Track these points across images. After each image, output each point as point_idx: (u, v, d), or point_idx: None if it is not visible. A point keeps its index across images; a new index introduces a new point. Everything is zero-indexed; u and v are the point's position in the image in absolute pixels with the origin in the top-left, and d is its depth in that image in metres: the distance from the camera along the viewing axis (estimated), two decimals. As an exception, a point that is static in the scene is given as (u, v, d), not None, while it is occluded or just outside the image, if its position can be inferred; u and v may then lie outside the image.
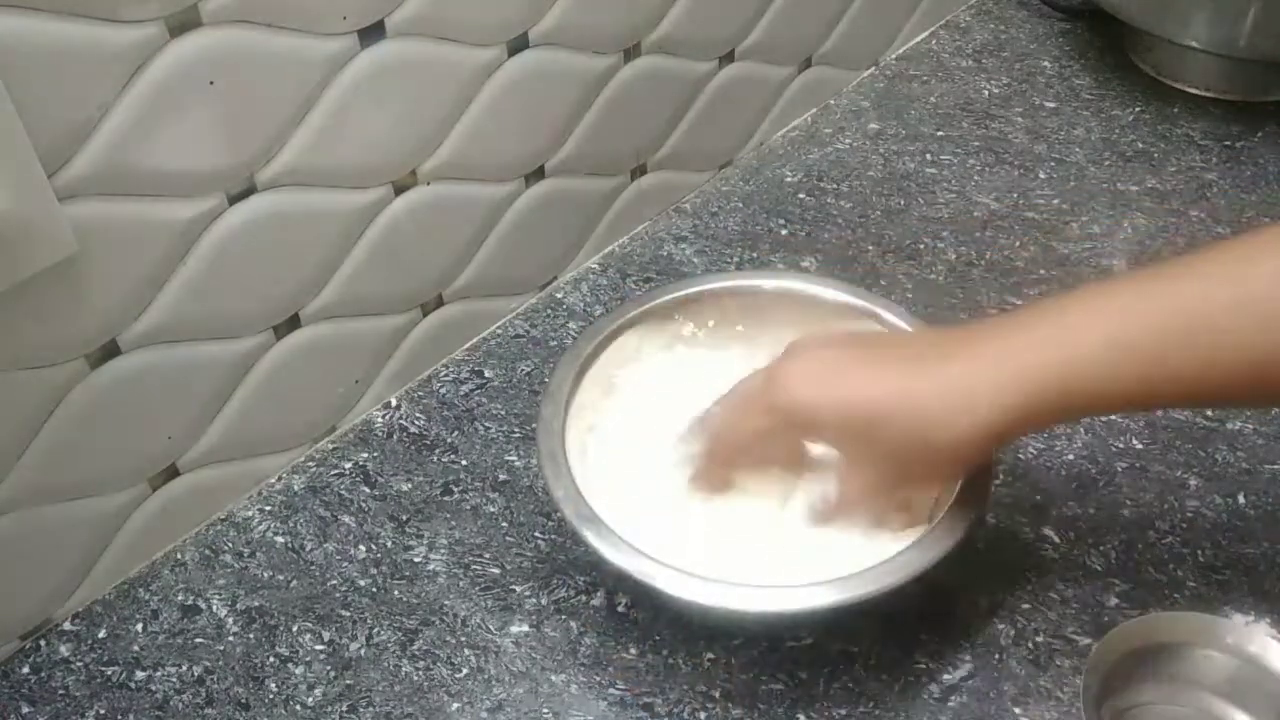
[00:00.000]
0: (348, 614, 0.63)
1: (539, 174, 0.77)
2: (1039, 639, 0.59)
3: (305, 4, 0.59)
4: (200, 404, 0.65)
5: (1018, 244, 0.82)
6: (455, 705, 0.59)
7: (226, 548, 0.67)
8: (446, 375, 0.77)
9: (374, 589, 0.64)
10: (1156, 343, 0.49)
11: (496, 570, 0.65)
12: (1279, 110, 0.93)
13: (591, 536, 0.55)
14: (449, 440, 0.72)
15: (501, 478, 0.70)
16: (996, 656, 0.59)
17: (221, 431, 0.66)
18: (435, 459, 0.71)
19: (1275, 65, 0.91)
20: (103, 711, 0.60)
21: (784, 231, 0.85)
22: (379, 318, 0.72)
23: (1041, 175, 0.88)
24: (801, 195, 0.88)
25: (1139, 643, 0.55)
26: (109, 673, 0.62)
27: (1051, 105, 0.95)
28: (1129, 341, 0.49)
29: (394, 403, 0.75)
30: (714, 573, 0.54)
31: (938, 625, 0.60)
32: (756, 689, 0.59)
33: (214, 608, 0.64)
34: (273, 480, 0.71)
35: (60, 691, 0.61)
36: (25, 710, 0.60)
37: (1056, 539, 0.64)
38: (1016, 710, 0.57)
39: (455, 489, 0.69)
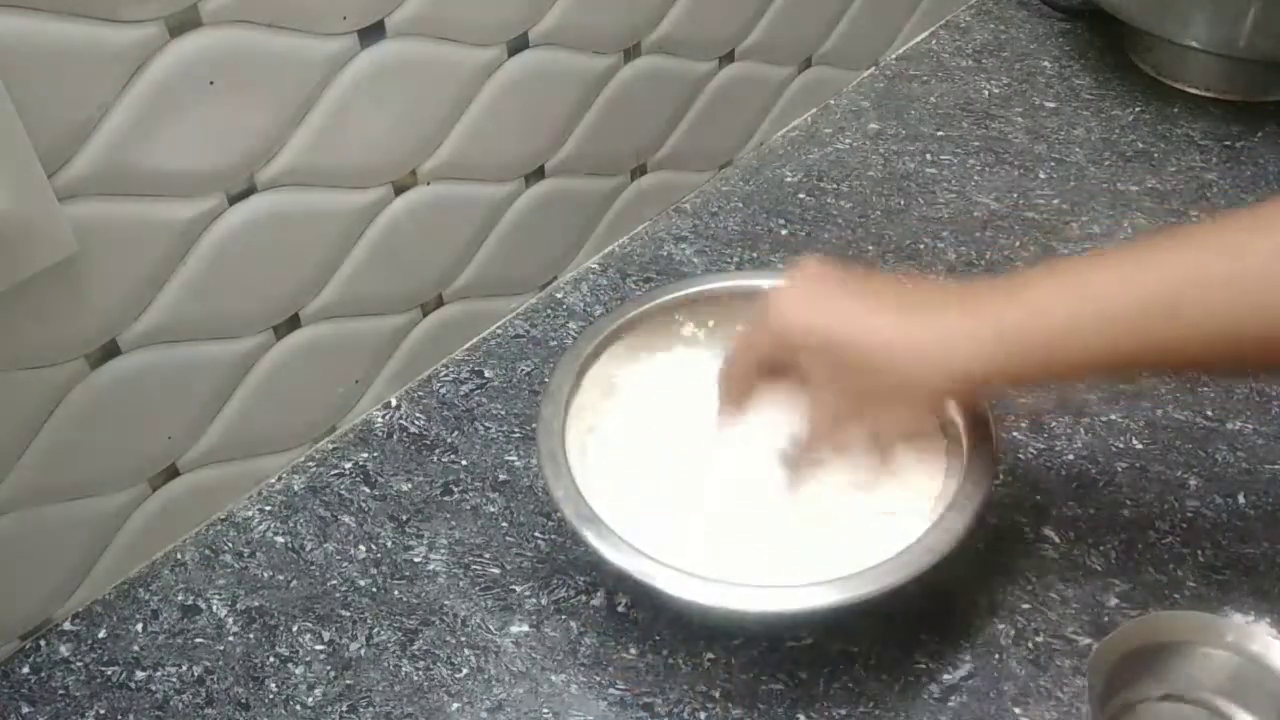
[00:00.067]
0: (348, 614, 0.63)
1: (539, 174, 0.77)
2: (1039, 639, 0.59)
3: (305, 4, 0.59)
4: (200, 404, 0.65)
5: (1018, 244, 0.82)
6: (455, 705, 0.59)
7: (226, 548, 0.67)
8: (446, 375, 0.77)
9: (374, 589, 0.64)
10: (1140, 312, 0.49)
11: (496, 570, 0.65)
12: (1279, 110, 0.93)
13: (591, 536, 0.55)
14: (449, 440, 0.72)
15: (501, 478, 0.70)
16: (996, 656, 0.59)
17: (221, 431, 0.66)
18: (435, 459, 0.71)
19: (1275, 65, 0.91)
20: (103, 711, 0.60)
21: (784, 231, 0.85)
22: (379, 318, 0.72)
23: (1041, 175, 0.88)
24: (801, 195, 0.88)
25: (1139, 642, 0.55)
26: (109, 673, 0.62)
27: (1051, 105, 0.95)
28: (1113, 311, 0.50)
29: (394, 403, 0.75)
30: (714, 573, 0.54)
31: (938, 625, 0.60)
32: (756, 689, 0.59)
33: (214, 608, 0.64)
34: (273, 480, 0.71)
35: (60, 691, 0.61)
36: (25, 710, 0.60)
37: (1056, 539, 0.64)
38: (1016, 710, 0.57)
39: (455, 489, 0.69)
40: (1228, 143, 0.90)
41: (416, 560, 0.66)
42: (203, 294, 0.62)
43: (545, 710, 0.59)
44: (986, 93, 0.97)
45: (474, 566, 0.65)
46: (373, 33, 0.62)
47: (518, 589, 0.64)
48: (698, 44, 0.82)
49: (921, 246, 0.83)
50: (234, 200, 0.61)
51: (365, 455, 0.72)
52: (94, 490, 0.62)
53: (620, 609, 0.63)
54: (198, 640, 0.63)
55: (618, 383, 0.65)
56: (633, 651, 0.61)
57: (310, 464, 0.72)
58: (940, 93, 0.98)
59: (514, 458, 0.71)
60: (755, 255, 0.83)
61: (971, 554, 0.62)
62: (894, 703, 0.58)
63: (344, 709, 0.59)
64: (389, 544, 0.67)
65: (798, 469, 0.59)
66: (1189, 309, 0.49)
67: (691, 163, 0.88)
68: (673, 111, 0.84)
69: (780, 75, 0.91)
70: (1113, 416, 0.70)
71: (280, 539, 0.67)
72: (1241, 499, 0.65)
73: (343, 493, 0.70)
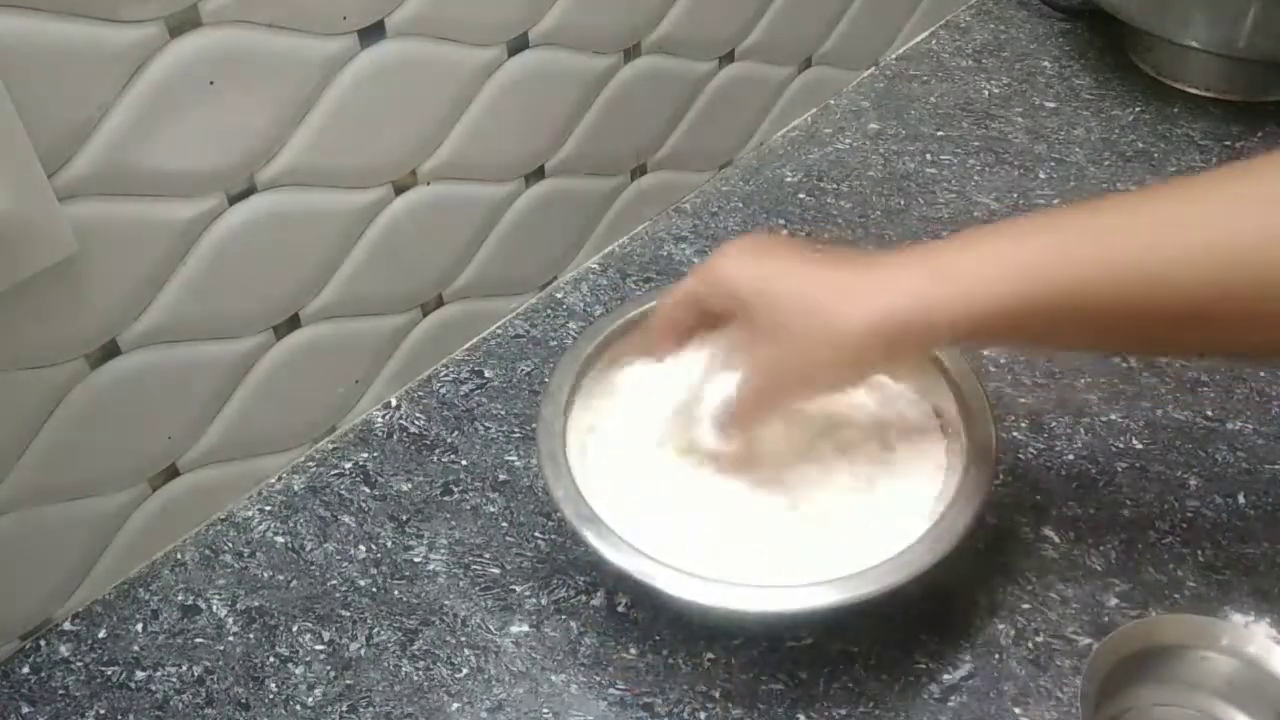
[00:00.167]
0: (348, 614, 0.63)
1: (539, 174, 0.77)
2: (1039, 639, 0.59)
3: (305, 4, 0.59)
4: (200, 404, 0.65)
5: (1018, 244, 0.82)
6: (455, 705, 0.59)
7: (226, 548, 0.67)
8: (446, 375, 0.77)
9: (374, 589, 0.64)
10: (1075, 279, 0.49)
11: (496, 570, 0.65)
12: (1279, 110, 0.93)
13: (591, 536, 0.55)
14: (449, 440, 0.72)
15: (501, 478, 0.70)
16: (996, 656, 0.59)
17: (221, 431, 0.66)
18: (435, 459, 0.71)
19: (1275, 65, 0.91)
20: (103, 711, 0.60)
21: (784, 231, 0.85)
22: (379, 318, 0.72)
23: (1041, 175, 0.88)
24: (801, 195, 0.88)
25: (1139, 644, 0.55)
26: (109, 673, 0.62)
27: (1051, 105, 0.95)
28: (1047, 275, 0.49)
29: (394, 403, 0.75)
30: (714, 573, 0.54)
31: (938, 625, 0.60)
32: (756, 689, 0.59)
33: (214, 608, 0.64)
34: (273, 480, 0.71)
35: (60, 691, 0.61)
36: (25, 710, 0.60)
37: (1056, 539, 0.64)
38: (1016, 710, 0.57)
39: (455, 489, 0.69)
40: (1228, 143, 0.90)
41: (416, 560, 0.66)
42: (203, 294, 0.62)
43: (545, 710, 0.59)
44: (986, 93, 0.97)
45: (474, 566, 0.65)
46: (373, 33, 0.62)
47: (518, 589, 0.64)
48: (698, 44, 0.82)
49: (921, 246, 0.83)
50: (234, 200, 0.61)
51: (365, 455, 0.72)
52: (94, 490, 0.62)
53: (620, 609, 0.63)
54: (198, 640, 0.63)
55: (618, 383, 0.65)
56: (633, 651, 0.61)
57: (310, 464, 0.72)
58: (940, 93, 0.98)
59: (514, 458, 0.71)
60: (755, 255, 0.83)
61: (971, 554, 0.62)
62: (894, 703, 0.58)
63: (344, 709, 0.59)
64: (389, 544, 0.67)
65: (732, 436, 0.58)
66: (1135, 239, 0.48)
67: (691, 163, 0.88)
68: (673, 111, 0.84)
69: (780, 75, 0.91)
70: (1113, 416, 0.70)
71: (280, 539, 0.68)
72: (1241, 499, 0.65)
73: (343, 493, 0.70)
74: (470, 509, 0.68)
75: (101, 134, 0.54)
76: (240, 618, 0.64)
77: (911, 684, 0.58)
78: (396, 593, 0.64)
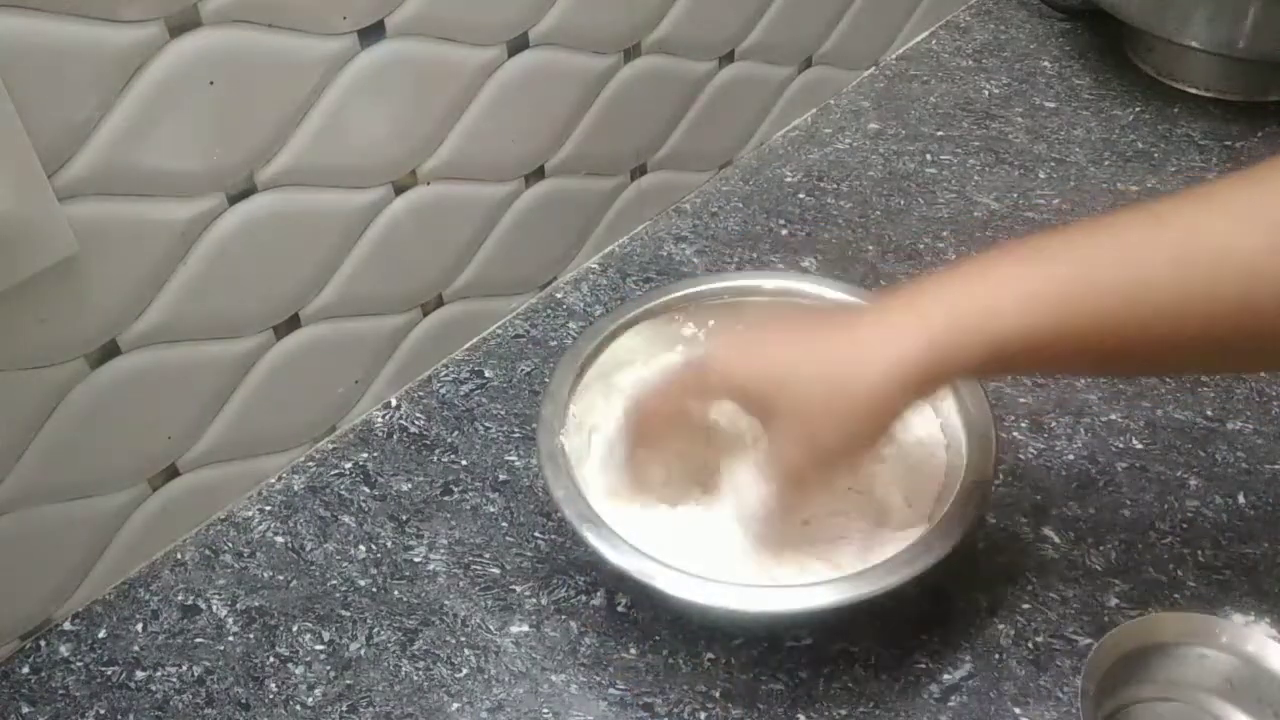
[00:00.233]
0: (348, 614, 0.63)
1: (539, 174, 0.77)
2: (1039, 639, 0.59)
3: (305, 4, 0.59)
4: (200, 404, 0.65)
5: (1018, 244, 0.82)
6: (455, 705, 0.59)
7: (226, 548, 0.67)
8: (446, 375, 0.77)
9: (374, 589, 0.64)
10: (1062, 301, 0.47)
11: (496, 570, 0.65)
12: (1279, 110, 0.93)
13: (591, 536, 0.55)
14: (449, 440, 0.72)
15: (501, 478, 0.70)
16: (996, 656, 0.59)
17: (221, 431, 0.66)
18: (435, 459, 0.71)
19: (1275, 65, 0.91)
20: (103, 711, 0.60)
21: (784, 231, 0.85)
22: (379, 318, 0.72)
23: (1041, 175, 0.88)
24: (801, 195, 0.88)
25: (1138, 642, 0.55)
26: (109, 673, 0.62)
27: (1051, 105, 0.95)
28: (1043, 290, 0.48)
29: (394, 403, 0.75)
30: (714, 573, 0.54)
31: (938, 625, 0.60)
32: (756, 689, 0.59)
33: (214, 608, 0.64)
34: (273, 480, 0.71)
35: (60, 691, 0.61)
36: (25, 710, 0.60)
37: (1056, 539, 0.64)
38: (1016, 710, 0.57)
39: (455, 489, 0.69)
40: (1228, 143, 0.90)
41: (416, 560, 0.66)
42: (203, 294, 0.62)
43: (545, 710, 0.59)
44: (986, 93, 0.97)
45: (474, 566, 0.65)
46: (373, 33, 0.62)
47: (518, 589, 0.64)
48: (698, 44, 0.82)
49: (921, 246, 0.83)
50: (234, 200, 0.61)
51: (365, 455, 0.72)
52: (94, 490, 0.62)
53: (620, 609, 0.63)
54: (198, 640, 0.63)
55: (618, 383, 0.65)
56: (633, 651, 0.61)
57: (310, 464, 0.72)
58: (940, 93, 0.98)
59: (514, 458, 0.71)
60: (755, 255, 0.83)
61: (971, 554, 0.62)
62: (894, 703, 0.58)
63: (344, 709, 0.59)
64: (389, 544, 0.67)
65: (769, 539, 0.56)
66: (1143, 273, 0.47)
67: (691, 163, 0.88)
68: (673, 111, 0.84)
69: (780, 75, 0.91)
70: (1113, 416, 0.70)
71: (280, 539, 0.68)
72: (1241, 499, 0.65)
73: (343, 493, 0.70)
74: (470, 509, 0.68)
75: (101, 134, 0.54)
76: (240, 618, 0.64)
77: (911, 684, 0.58)
78: (396, 593, 0.64)
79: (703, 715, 0.58)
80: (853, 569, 0.54)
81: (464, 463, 0.71)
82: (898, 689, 0.58)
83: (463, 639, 0.62)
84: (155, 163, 0.57)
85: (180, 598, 0.65)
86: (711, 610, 0.53)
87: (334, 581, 0.65)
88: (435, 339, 0.76)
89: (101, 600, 0.65)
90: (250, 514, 0.69)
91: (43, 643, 0.63)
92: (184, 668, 0.61)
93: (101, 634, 0.63)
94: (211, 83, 0.57)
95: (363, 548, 0.67)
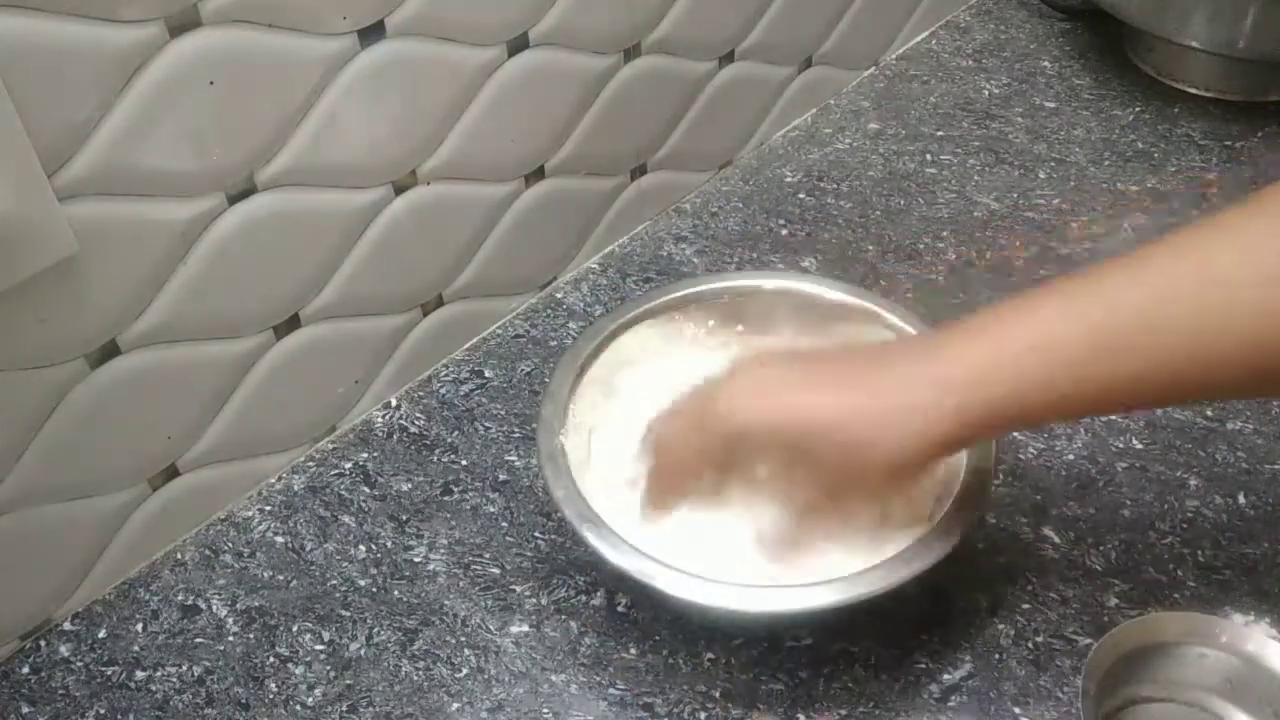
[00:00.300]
0: (348, 614, 0.63)
1: (539, 174, 0.77)
2: (1039, 639, 0.59)
3: (305, 4, 0.59)
4: (200, 404, 0.65)
5: (1018, 244, 0.82)
6: (455, 705, 0.59)
7: (226, 548, 0.67)
8: (446, 375, 0.77)
9: (374, 589, 0.64)
10: (1088, 350, 0.47)
11: (496, 570, 0.65)
12: (1279, 110, 0.93)
13: (591, 536, 0.55)
14: (449, 440, 0.72)
15: (501, 478, 0.70)
16: (996, 656, 0.59)
17: (221, 431, 0.66)
18: (435, 459, 0.71)
19: (1275, 65, 0.91)
20: (103, 711, 0.60)
21: (784, 231, 0.85)
22: (379, 318, 0.72)
23: (1041, 175, 0.88)
24: (801, 195, 0.88)
25: (1138, 642, 0.55)
26: (109, 673, 0.62)
27: (1051, 105, 0.95)
28: (1062, 343, 0.48)
29: (394, 403, 0.75)
30: (714, 573, 0.54)
31: (938, 625, 0.60)
32: (756, 689, 0.59)
33: (214, 608, 0.64)
34: (273, 480, 0.71)
35: (60, 691, 0.61)
36: (25, 710, 0.60)
37: (1056, 539, 0.64)
38: (1016, 710, 0.57)
39: (455, 489, 0.69)
40: (1228, 143, 0.90)
41: (416, 560, 0.66)
42: (203, 294, 0.62)
43: (545, 710, 0.59)
44: (986, 93, 0.97)
45: (474, 566, 0.65)
46: (373, 33, 0.62)
47: (518, 589, 0.64)
48: (698, 44, 0.82)
49: (921, 246, 0.83)
50: (234, 200, 0.61)
51: (365, 455, 0.72)
52: (94, 490, 0.62)
53: (620, 609, 0.63)
54: (198, 640, 0.63)
55: (618, 383, 0.65)
56: (633, 651, 0.61)
57: (310, 464, 0.72)
58: (940, 93, 0.98)
59: (514, 458, 0.71)
60: (755, 255, 0.83)
61: (971, 554, 0.62)
62: (894, 703, 0.58)
63: (344, 709, 0.59)
64: (389, 544, 0.67)
65: (787, 556, 0.56)
66: (1163, 321, 0.47)
67: (691, 163, 0.88)
68: (673, 111, 0.84)
69: (780, 75, 0.91)
70: (1113, 416, 0.70)
71: (280, 539, 0.68)
72: (1241, 499, 0.65)
73: (343, 493, 0.70)
74: (470, 509, 0.68)
75: (101, 134, 0.54)
76: (240, 618, 0.64)
77: (911, 684, 0.58)
78: (396, 593, 0.64)
79: (703, 715, 0.58)
80: (853, 569, 0.54)
81: (464, 463, 0.71)
82: (898, 689, 0.58)
83: (463, 639, 0.62)
84: (155, 163, 0.57)
85: (180, 598, 0.65)
86: (711, 610, 0.53)
87: (334, 581, 0.65)
88: (435, 339, 0.76)
89: (101, 600, 0.65)
90: (250, 514, 0.69)
91: (43, 643, 0.63)
92: (184, 668, 0.61)
93: (101, 634, 0.63)
94: (211, 83, 0.57)
95: (363, 548, 0.67)
